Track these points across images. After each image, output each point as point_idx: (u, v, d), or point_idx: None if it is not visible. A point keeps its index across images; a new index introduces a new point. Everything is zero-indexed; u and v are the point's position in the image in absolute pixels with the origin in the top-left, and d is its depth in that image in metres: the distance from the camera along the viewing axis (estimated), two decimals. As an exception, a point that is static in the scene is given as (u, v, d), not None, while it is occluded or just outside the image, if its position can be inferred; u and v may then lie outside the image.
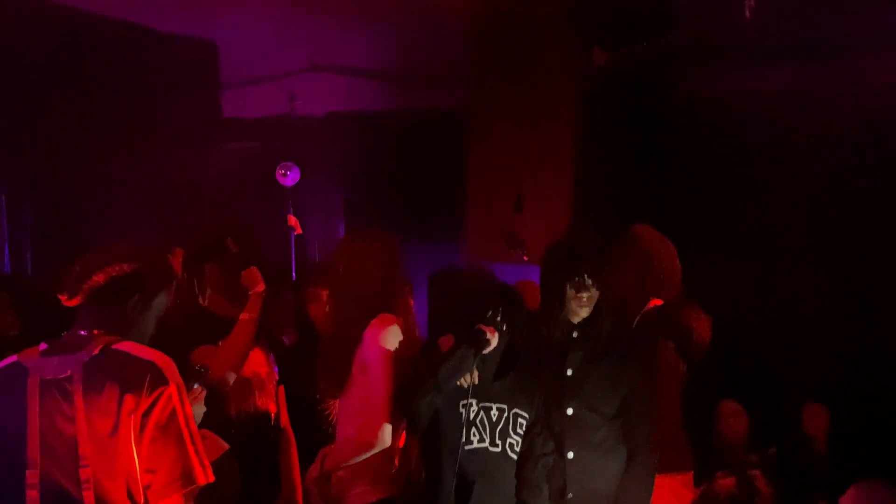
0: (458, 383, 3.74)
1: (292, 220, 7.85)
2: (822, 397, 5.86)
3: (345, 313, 3.94)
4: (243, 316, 3.97)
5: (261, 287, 4.03)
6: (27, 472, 2.72)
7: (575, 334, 4.02)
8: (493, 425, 3.80)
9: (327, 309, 4.38)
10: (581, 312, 3.99)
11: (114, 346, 2.80)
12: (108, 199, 6.34)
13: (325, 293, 4.76)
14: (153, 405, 2.71)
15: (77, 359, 2.77)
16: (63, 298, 2.84)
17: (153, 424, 2.72)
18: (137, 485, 2.72)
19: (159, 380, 2.73)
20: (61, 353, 2.80)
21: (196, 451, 2.74)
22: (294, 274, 7.65)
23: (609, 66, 5.78)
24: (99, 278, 2.86)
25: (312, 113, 8.43)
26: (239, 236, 4.19)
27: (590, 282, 3.95)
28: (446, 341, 3.91)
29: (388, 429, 3.78)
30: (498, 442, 3.79)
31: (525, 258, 6.01)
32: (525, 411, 3.85)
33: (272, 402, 4.22)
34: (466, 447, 3.74)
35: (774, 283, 6.47)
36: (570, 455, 3.94)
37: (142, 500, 2.73)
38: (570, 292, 3.95)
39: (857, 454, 5.43)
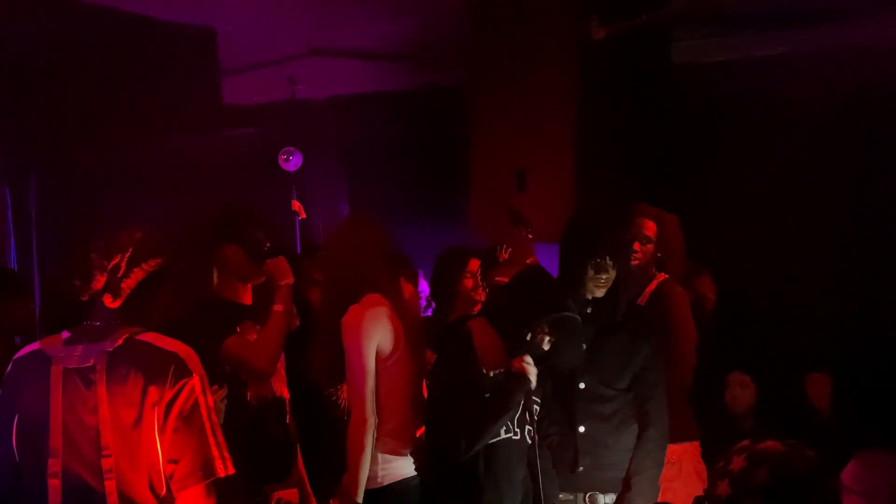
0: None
1: (296, 205, 7.85)
2: (829, 367, 5.84)
3: (329, 297, 3.98)
4: (277, 308, 3.89)
5: (290, 279, 3.97)
6: (49, 460, 2.73)
7: (589, 310, 3.99)
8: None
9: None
10: (598, 292, 3.97)
11: (137, 337, 2.80)
12: (110, 189, 6.33)
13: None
14: (176, 396, 2.71)
15: (100, 348, 2.77)
16: (107, 300, 2.83)
17: (176, 415, 2.71)
18: (160, 475, 2.73)
19: (183, 371, 2.73)
20: (84, 342, 2.79)
21: (217, 444, 2.74)
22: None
23: (608, 38, 5.74)
24: (138, 275, 2.85)
25: (313, 97, 8.43)
26: (260, 222, 4.14)
27: (610, 263, 3.94)
28: (477, 326, 3.83)
29: (367, 434, 3.78)
30: (517, 430, 3.78)
31: (529, 235, 5.96)
32: (538, 397, 3.83)
33: (286, 387, 4.18)
34: (491, 440, 3.72)
35: (776, 251, 6.45)
36: (582, 429, 3.94)
37: (164, 491, 2.73)
38: (590, 272, 3.93)
39: (863, 424, 5.41)
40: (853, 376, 5.83)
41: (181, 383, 2.72)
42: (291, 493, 3.96)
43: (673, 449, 4.38)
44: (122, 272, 2.83)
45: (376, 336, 3.83)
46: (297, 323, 4.81)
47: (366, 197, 8.20)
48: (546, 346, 3.68)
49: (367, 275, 3.93)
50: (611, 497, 3.95)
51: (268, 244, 4.04)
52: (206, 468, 2.72)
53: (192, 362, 2.77)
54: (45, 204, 6.46)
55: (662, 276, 4.72)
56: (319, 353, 4.03)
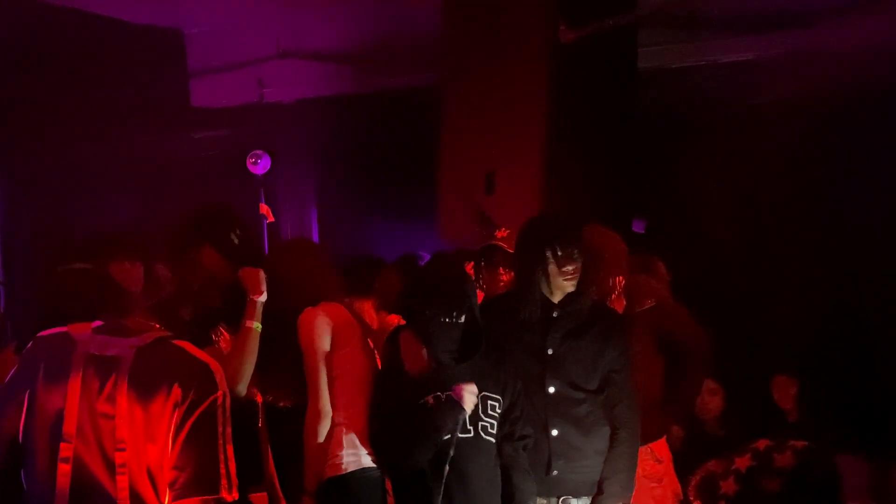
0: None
1: (264, 209, 7.73)
2: (795, 369, 5.88)
3: (273, 312, 3.97)
4: (248, 323, 3.83)
5: (260, 293, 3.90)
6: (61, 444, 2.70)
7: (555, 314, 4.02)
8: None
9: None
10: (567, 287, 3.98)
11: (173, 341, 2.79)
12: (77, 190, 6.29)
13: None
14: (198, 404, 2.68)
15: (129, 342, 2.75)
16: (185, 314, 2.97)
17: (193, 422, 2.68)
18: (161, 479, 2.69)
19: (210, 383, 2.72)
20: (114, 334, 2.78)
21: (226, 465, 2.70)
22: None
23: (576, 42, 5.75)
24: (166, 278, 2.97)
25: (282, 100, 8.41)
26: (237, 222, 4.10)
27: (576, 252, 3.94)
28: (405, 339, 3.88)
29: (320, 424, 3.98)
30: (469, 427, 3.77)
31: (496, 239, 5.96)
32: (495, 392, 3.83)
33: (258, 392, 4.15)
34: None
35: (743, 254, 6.49)
36: (555, 432, 3.96)
37: (163, 497, 2.69)
38: (553, 267, 3.92)
39: (828, 425, 5.45)
40: (821, 378, 5.88)
41: (205, 392, 2.70)
42: (261, 497, 3.95)
43: (661, 446, 4.53)
44: (155, 274, 2.89)
45: (328, 330, 4.04)
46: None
47: (334, 199, 8.20)
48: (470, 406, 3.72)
49: (303, 291, 4.16)
50: (584, 501, 3.98)
51: (250, 246, 4.04)
52: (210, 485, 2.66)
53: (220, 378, 2.75)
54: (11, 206, 6.40)
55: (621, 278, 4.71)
56: (263, 364, 3.97)
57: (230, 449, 2.72)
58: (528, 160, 5.92)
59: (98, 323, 2.82)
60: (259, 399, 4.04)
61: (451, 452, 3.65)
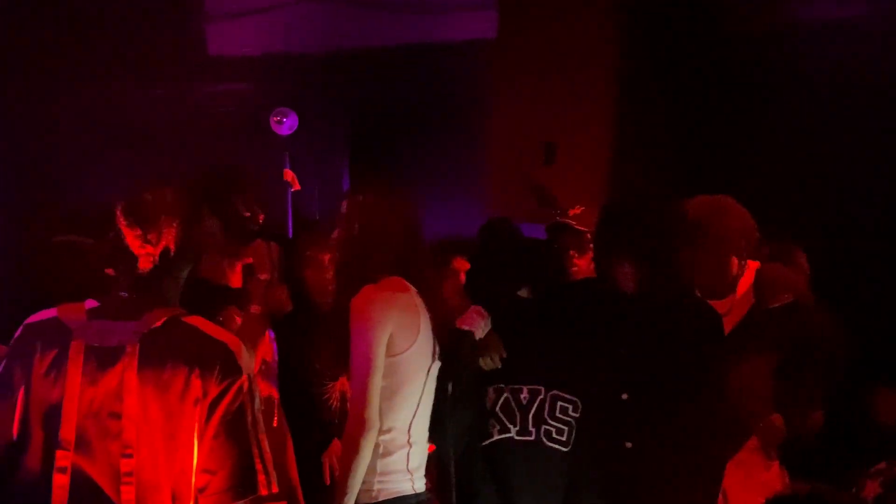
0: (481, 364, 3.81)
1: (289, 175, 7.75)
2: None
3: (354, 279, 3.86)
4: (253, 309, 3.93)
5: (265, 273, 3.98)
6: (57, 452, 2.66)
7: (630, 306, 3.99)
8: (524, 410, 3.81)
9: (329, 275, 4.35)
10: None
11: (183, 319, 2.77)
12: (83, 145, 6.34)
13: (326, 257, 4.71)
14: (223, 395, 2.68)
15: (134, 328, 2.72)
16: (141, 265, 2.81)
17: (220, 417, 2.68)
18: (189, 486, 2.67)
19: (232, 366, 2.71)
20: (114, 317, 2.76)
21: (262, 456, 2.70)
22: (291, 236, 7.62)
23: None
24: (168, 238, 2.87)
25: (310, 49, 8.36)
26: (247, 190, 4.12)
27: (650, 261, 3.95)
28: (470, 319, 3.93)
29: (364, 436, 3.69)
30: (531, 429, 3.78)
31: (558, 218, 5.95)
32: (568, 392, 3.83)
33: (275, 387, 4.17)
34: (483, 442, 3.78)
35: (843, 245, 6.41)
36: (629, 446, 3.91)
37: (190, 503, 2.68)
38: (626, 269, 3.94)
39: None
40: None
41: (229, 380, 2.69)
42: (281, 505, 3.97)
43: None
44: (157, 234, 2.81)
45: (390, 323, 3.75)
46: (289, 308, 4.83)
47: (370, 166, 8.08)
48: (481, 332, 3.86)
49: (402, 257, 3.90)
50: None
51: (260, 218, 4.04)
52: (247, 484, 2.68)
53: (242, 358, 2.75)
54: (17, 161, 6.45)
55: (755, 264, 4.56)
56: (329, 344, 4.01)
57: (263, 438, 2.72)
58: (594, 128, 5.94)
59: (92, 303, 2.78)
60: (276, 396, 4.07)
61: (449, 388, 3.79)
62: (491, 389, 3.88)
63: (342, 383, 4.50)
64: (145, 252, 2.77)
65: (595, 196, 4.88)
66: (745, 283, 4.42)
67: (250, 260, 4.04)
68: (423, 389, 3.84)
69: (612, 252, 3.99)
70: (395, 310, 3.75)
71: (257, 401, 2.73)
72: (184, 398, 2.65)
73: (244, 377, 2.70)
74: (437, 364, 3.92)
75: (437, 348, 3.90)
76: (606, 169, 5.90)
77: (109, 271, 2.79)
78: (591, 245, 4.63)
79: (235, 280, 4.06)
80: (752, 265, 4.44)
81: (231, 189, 4.09)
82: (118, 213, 2.79)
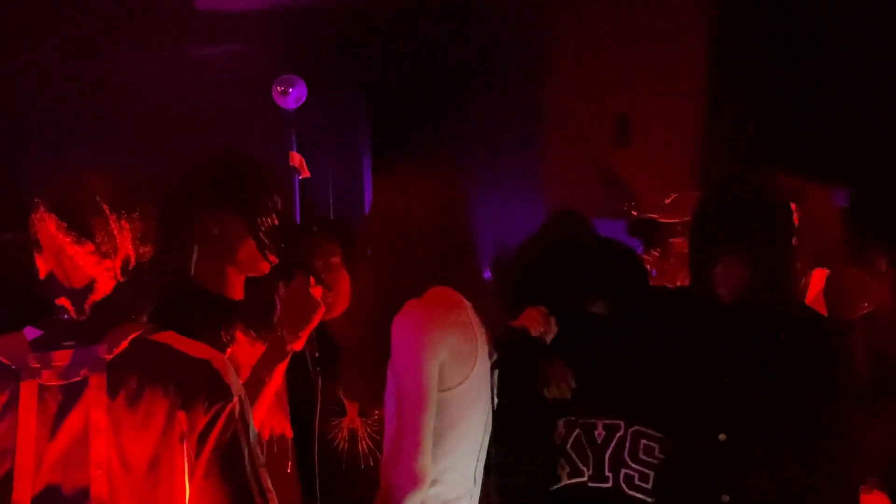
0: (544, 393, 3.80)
1: (296, 159, 7.77)
2: None
3: (390, 292, 3.78)
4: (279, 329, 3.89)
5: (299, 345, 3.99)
6: None
7: (732, 321, 3.96)
8: (600, 450, 3.80)
9: (348, 283, 4.36)
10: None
11: (151, 337, 2.75)
12: (47, 119, 6.39)
13: (337, 261, 4.72)
14: (212, 425, 2.68)
15: (96, 355, 2.71)
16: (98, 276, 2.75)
17: (209, 452, 2.67)
18: None
19: (220, 389, 2.71)
20: (65, 344, 2.72)
21: (261, 492, 2.73)
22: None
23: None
24: (126, 237, 2.79)
25: (321, 2, 8.39)
26: (276, 181, 4.16)
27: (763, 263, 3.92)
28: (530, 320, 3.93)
29: (415, 495, 3.58)
30: (608, 474, 3.79)
31: (633, 212, 5.96)
32: (655, 429, 3.83)
33: (289, 420, 4.20)
34: (552, 486, 3.77)
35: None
36: (726, 499, 3.86)
37: None
38: (733, 274, 3.91)
39: None
40: None
41: (218, 406, 2.68)
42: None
43: None
44: (106, 233, 2.74)
45: (444, 350, 3.67)
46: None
47: (396, 149, 8.17)
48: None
49: (445, 258, 3.81)
50: None
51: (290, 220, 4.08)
52: None
53: (230, 376, 2.76)
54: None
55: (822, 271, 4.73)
56: (351, 372, 4.02)
57: (264, 474, 2.75)
58: (678, 101, 5.93)
59: (33, 332, 2.75)
60: (290, 434, 4.09)
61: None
62: (561, 422, 3.86)
63: (351, 419, 4.56)
64: (104, 268, 2.75)
65: (679, 183, 4.88)
66: (814, 289, 4.56)
67: (267, 269, 4.07)
68: (484, 431, 3.82)
69: (716, 252, 3.93)
70: (449, 332, 3.67)
71: (252, 428, 2.75)
72: (167, 435, 2.65)
73: (235, 400, 2.71)
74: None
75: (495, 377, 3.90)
76: (694, 149, 5.89)
77: (63, 302, 2.76)
78: (682, 244, 4.69)
79: (238, 291, 4.07)
80: (820, 271, 4.54)
81: (263, 185, 4.12)
82: (51, 226, 2.74)
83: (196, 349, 2.75)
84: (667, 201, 5.15)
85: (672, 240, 5.04)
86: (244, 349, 3.94)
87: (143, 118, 6.83)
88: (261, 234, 3.97)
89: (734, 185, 4.16)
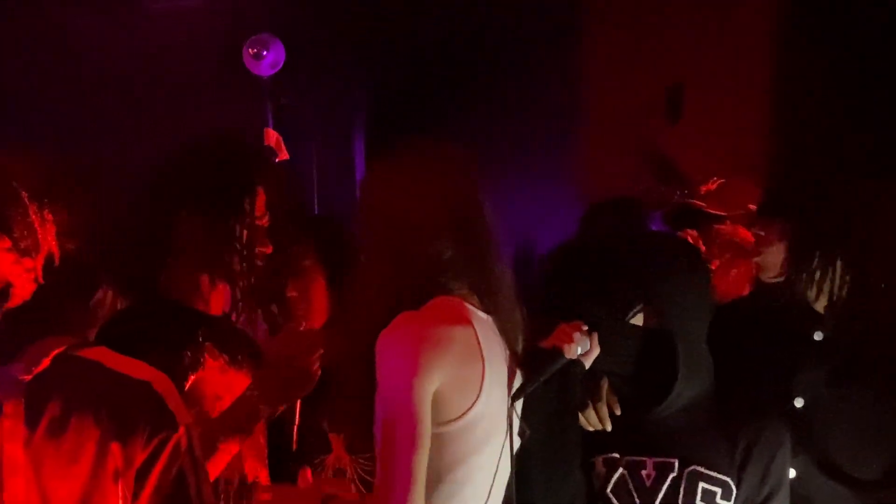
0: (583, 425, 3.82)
1: (271, 137, 7.71)
2: None
3: (379, 301, 3.74)
4: (250, 395, 3.90)
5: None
6: None
7: (818, 335, 4.04)
8: (649, 495, 3.80)
9: (324, 291, 4.51)
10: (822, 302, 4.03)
11: (79, 353, 2.73)
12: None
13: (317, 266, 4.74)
14: (153, 459, 2.66)
15: (11, 375, 2.70)
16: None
17: (150, 494, 2.66)
18: None
19: (163, 417, 2.70)
20: None
21: None
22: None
23: None
24: (50, 232, 2.76)
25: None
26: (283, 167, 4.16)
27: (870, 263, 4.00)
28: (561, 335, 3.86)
29: None
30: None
31: (686, 200, 5.96)
32: (720, 472, 3.81)
33: (264, 462, 4.23)
34: None
35: None
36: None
37: None
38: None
39: None
40: None
41: (161, 437, 2.67)
42: None
43: None
44: (25, 227, 2.72)
45: (440, 374, 3.62)
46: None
47: (396, 126, 8.07)
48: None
49: (443, 263, 3.74)
50: None
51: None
52: None
53: (175, 401, 2.74)
54: None
55: None
56: (345, 399, 3.99)
57: None
58: (742, 70, 5.92)
59: None
60: (263, 480, 4.13)
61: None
62: (601, 461, 3.86)
63: (338, 456, 4.57)
64: (23, 269, 2.72)
65: (739, 165, 4.98)
66: None
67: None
68: (496, 473, 3.77)
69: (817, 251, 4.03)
70: (447, 352, 3.62)
71: (202, 464, 2.74)
72: (98, 473, 2.64)
73: (181, 430, 2.70)
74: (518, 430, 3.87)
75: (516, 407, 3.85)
76: (761, 126, 5.89)
77: None
78: (731, 231, 4.81)
79: (215, 305, 4.07)
80: None
81: (275, 171, 4.15)
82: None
83: (134, 368, 2.74)
84: (710, 188, 5.18)
85: (718, 227, 5.02)
86: (212, 376, 3.95)
87: (92, 87, 6.81)
88: (243, 239, 4.01)
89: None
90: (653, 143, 6.08)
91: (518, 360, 3.84)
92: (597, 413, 3.84)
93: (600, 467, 3.82)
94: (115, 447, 2.63)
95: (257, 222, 3.97)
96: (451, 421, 3.59)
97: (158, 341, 3.75)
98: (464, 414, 3.59)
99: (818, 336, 4.05)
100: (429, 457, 3.55)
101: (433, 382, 3.55)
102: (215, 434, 3.80)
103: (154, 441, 2.65)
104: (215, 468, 3.78)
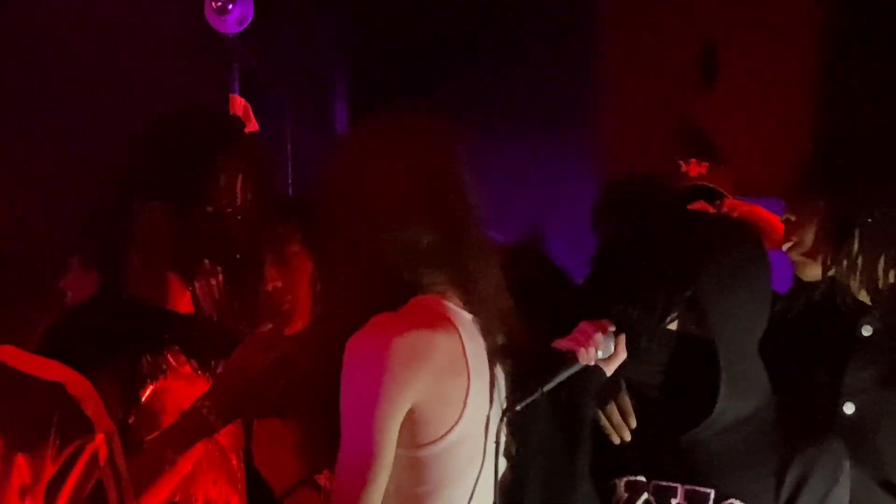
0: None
1: (238, 104, 7.41)
2: None
3: (347, 301, 3.81)
4: (200, 405, 3.89)
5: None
6: None
7: (867, 329, 4.12)
8: None
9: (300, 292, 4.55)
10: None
11: None
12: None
13: (296, 252, 4.76)
14: (66, 471, 2.69)
15: None
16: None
17: None
18: None
19: (78, 423, 2.73)
20: None
21: None
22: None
23: None
24: None
25: None
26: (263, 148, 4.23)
27: None
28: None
29: None
30: None
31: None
32: (755, 501, 3.89)
33: (237, 490, 4.28)
34: None
35: None
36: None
37: None
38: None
39: None
40: None
41: (74, 446, 2.69)
42: None
43: None
44: None
45: (415, 391, 3.61)
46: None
47: (387, 92, 8.01)
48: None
49: (423, 254, 3.74)
50: None
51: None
52: None
53: (92, 403, 2.76)
54: None
55: None
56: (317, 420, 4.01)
57: None
58: (786, 23, 5.98)
59: None
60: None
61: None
62: (623, 484, 3.92)
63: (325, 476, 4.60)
64: None
65: (778, 131, 5.21)
66: None
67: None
68: (471, 498, 3.81)
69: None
70: (425, 364, 3.62)
71: (125, 478, 2.76)
72: (2, 488, 2.67)
73: (99, 438, 2.73)
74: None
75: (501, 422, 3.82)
76: (809, 88, 6.04)
77: None
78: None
79: (184, 303, 4.17)
80: None
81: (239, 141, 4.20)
82: None
83: (44, 368, 2.77)
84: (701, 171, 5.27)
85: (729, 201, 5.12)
86: (177, 386, 4.02)
87: (33, 47, 6.89)
88: (209, 231, 4.07)
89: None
90: (684, 109, 6.15)
91: (506, 363, 3.84)
92: (619, 408, 3.91)
93: (622, 492, 3.88)
94: (20, 459, 2.65)
95: (228, 211, 4.08)
96: (429, 444, 3.63)
97: (110, 342, 3.82)
98: (444, 435, 3.63)
99: (866, 331, 4.09)
100: (403, 483, 3.63)
101: (405, 402, 3.57)
102: (161, 449, 3.78)
103: (66, 451, 2.67)
104: (163, 490, 3.77)
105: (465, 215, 3.75)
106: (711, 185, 5.33)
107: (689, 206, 5.09)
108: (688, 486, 3.83)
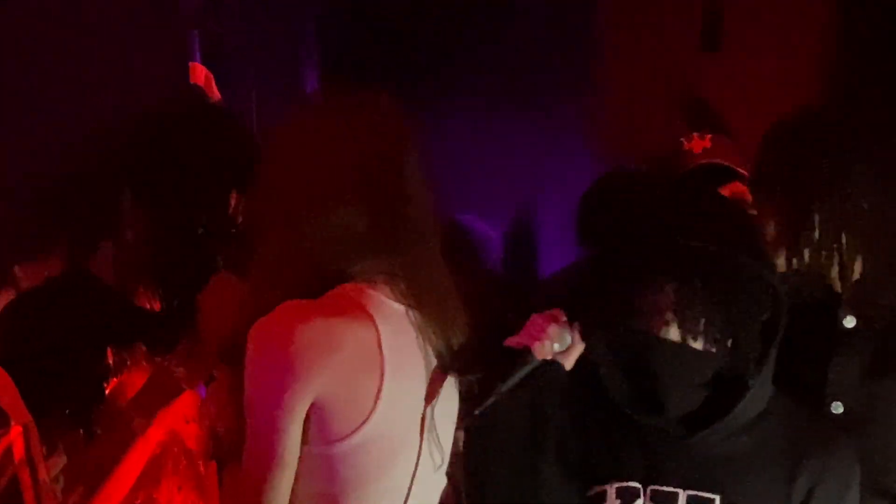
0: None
1: (199, 73, 8.09)
2: None
3: (269, 288, 4.13)
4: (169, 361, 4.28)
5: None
6: None
7: (850, 321, 4.50)
8: None
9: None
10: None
11: None
12: None
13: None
14: None
15: None
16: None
17: None
18: None
19: None
20: None
21: None
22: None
23: None
24: None
25: None
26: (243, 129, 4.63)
27: None
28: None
29: None
30: None
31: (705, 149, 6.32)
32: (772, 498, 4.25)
33: (202, 498, 4.63)
34: None
35: None
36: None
37: None
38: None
39: None
40: None
41: None
42: None
43: None
44: None
45: (319, 383, 3.94)
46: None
47: (364, 60, 8.39)
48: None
49: (356, 238, 4.06)
50: None
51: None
52: None
53: (9, 395, 3.01)
54: None
55: None
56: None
57: None
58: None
59: None
60: None
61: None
62: (613, 490, 4.27)
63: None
64: None
65: (784, 101, 5.38)
66: None
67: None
68: (406, 499, 4.22)
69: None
70: (334, 358, 3.94)
71: (41, 469, 2.99)
72: None
73: (14, 431, 2.96)
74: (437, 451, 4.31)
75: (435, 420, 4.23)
76: (819, 59, 6.55)
77: None
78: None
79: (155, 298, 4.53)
80: None
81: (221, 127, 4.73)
82: None
83: None
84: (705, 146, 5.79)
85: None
86: (140, 381, 4.37)
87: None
88: (202, 226, 4.53)
89: None
90: (685, 82, 6.76)
91: (454, 363, 4.20)
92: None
93: (612, 499, 4.24)
94: None
95: (219, 218, 4.54)
96: (337, 440, 4.01)
97: (70, 332, 4.17)
98: (353, 432, 4.00)
99: (850, 322, 4.46)
100: (316, 482, 4.01)
101: (306, 395, 3.93)
102: (130, 417, 4.13)
103: None
104: (134, 466, 4.08)
105: (406, 201, 4.09)
106: (719, 161, 5.72)
107: (715, 190, 5.28)
108: (690, 493, 4.16)
